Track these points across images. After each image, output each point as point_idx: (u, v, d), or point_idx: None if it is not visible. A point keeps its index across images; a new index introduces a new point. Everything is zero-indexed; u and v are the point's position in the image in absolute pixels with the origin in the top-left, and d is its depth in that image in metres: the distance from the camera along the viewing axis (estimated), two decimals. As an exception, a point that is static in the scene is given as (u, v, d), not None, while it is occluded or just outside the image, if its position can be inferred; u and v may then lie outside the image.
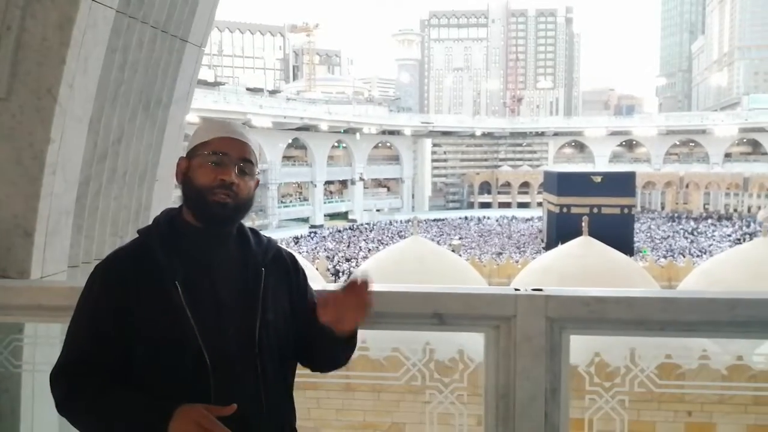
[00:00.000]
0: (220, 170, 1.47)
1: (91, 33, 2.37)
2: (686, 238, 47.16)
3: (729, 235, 47.87)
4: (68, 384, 1.40)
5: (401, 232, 49.83)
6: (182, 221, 1.52)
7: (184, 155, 1.55)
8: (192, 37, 3.19)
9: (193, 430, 1.27)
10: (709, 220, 56.94)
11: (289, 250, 1.70)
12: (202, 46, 3.36)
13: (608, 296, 1.65)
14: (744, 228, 50.80)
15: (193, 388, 1.40)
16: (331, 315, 1.44)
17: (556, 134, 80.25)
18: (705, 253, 38.51)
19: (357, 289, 1.43)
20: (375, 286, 1.73)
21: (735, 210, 62.08)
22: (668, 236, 48.42)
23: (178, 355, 1.41)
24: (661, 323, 1.63)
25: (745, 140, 71.52)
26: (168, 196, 3.34)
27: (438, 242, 34.52)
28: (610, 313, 1.64)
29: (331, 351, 1.58)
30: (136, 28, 2.70)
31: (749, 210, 60.46)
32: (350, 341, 1.54)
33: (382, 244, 41.57)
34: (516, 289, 1.71)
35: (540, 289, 1.70)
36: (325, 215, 63.62)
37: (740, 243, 41.46)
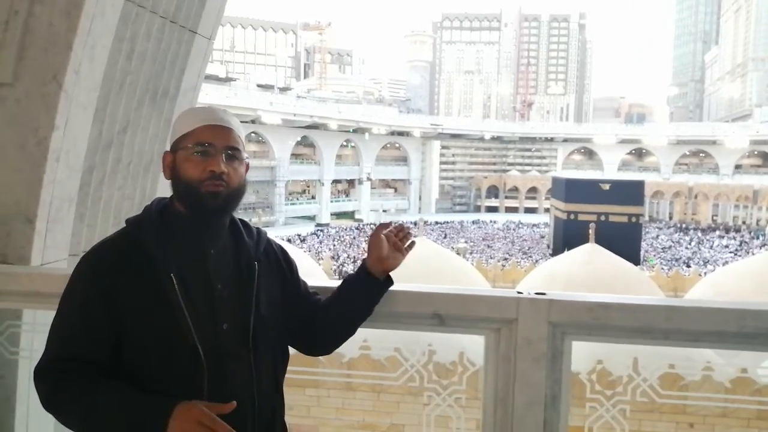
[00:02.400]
0: (207, 161, 1.42)
1: (99, 21, 2.36)
2: (688, 248, 47.00)
3: (726, 246, 47.77)
4: (56, 379, 1.35)
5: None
6: (174, 211, 1.48)
7: (168, 149, 1.50)
8: (201, 29, 3.17)
9: (195, 429, 1.23)
10: (717, 232, 56.56)
11: (279, 242, 1.69)
12: (212, 39, 3.34)
13: (612, 302, 1.61)
14: (746, 240, 50.55)
15: (186, 384, 1.37)
16: (380, 251, 1.59)
17: (565, 140, 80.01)
18: (708, 263, 38.41)
19: (396, 231, 1.63)
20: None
21: (744, 222, 61.66)
22: (670, 246, 48.28)
23: (172, 350, 1.38)
24: (665, 332, 1.59)
25: (756, 152, 71.08)
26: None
27: (443, 245, 34.41)
28: (614, 319, 1.60)
29: (351, 314, 1.62)
30: (144, 18, 2.68)
31: (758, 223, 60.03)
32: (387, 282, 1.63)
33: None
34: (519, 292, 1.67)
35: (543, 293, 1.67)
36: (331, 214, 63.67)
37: (738, 254, 41.69)
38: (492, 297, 1.66)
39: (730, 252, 44.30)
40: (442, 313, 1.66)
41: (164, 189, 3.28)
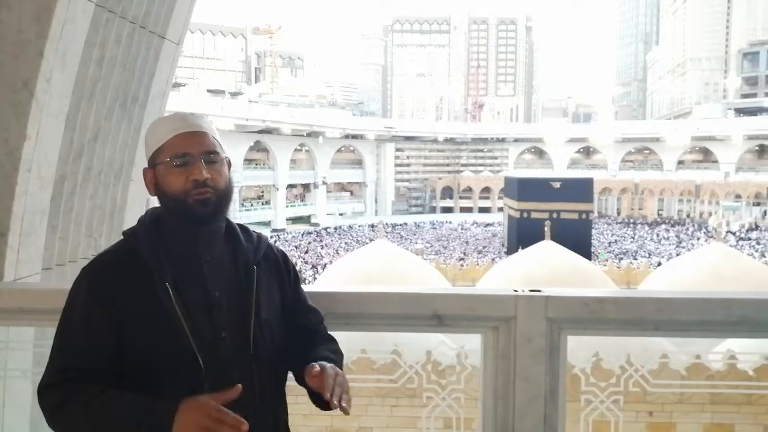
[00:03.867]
0: (188, 171, 1.41)
1: (70, 26, 2.29)
2: (632, 242, 48.70)
3: (667, 238, 49.66)
4: (63, 392, 1.33)
5: (360, 238, 49.89)
6: (167, 220, 1.47)
7: (147, 165, 1.48)
8: (170, 34, 3.11)
9: (202, 421, 1.22)
10: (663, 226, 58.62)
11: (279, 246, 1.67)
12: (180, 44, 3.29)
13: (606, 297, 1.66)
14: (688, 233, 52.69)
15: (187, 392, 1.33)
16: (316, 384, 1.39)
17: (516, 140, 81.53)
18: (652, 255, 39.90)
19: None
20: (373, 288, 1.71)
21: (688, 215, 64.09)
22: (616, 240, 49.90)
23: (171, 359, 1.37)
24: (656, 323, 1.65)
25: (697, 148, 73.94)
26: (143, 196, 3.25)
27: (401, 246, 34.54)
28: (608, 313, 1.65)
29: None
30: (114, 23, 2.61)
31: (701, 216, 62.49)
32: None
33: (349, 247, 41.49)
34: (515, 290, 1.71)
35: (539, 290, 1.71)
36: (287, 219, 63.07)
37: (680, 245, 43.63)
38: (490, 296, 1.68)
39: (671, 244, 46.08)
40: (441, 313, 1.68)
41: (135, 198, 3.20)
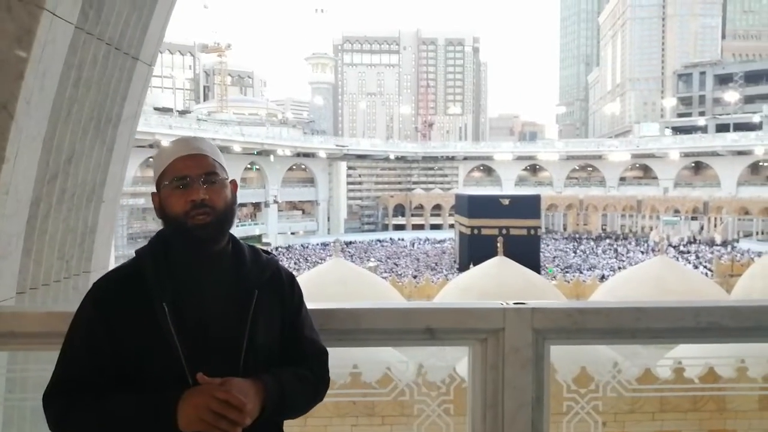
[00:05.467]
0: (187, 192, 1.45)
1: (51, 48, 2.28)
2: (575, 256, 50.28)
3: (605, 252, 51.63)
4: (66, 399, 1.39)
5: (311, 255, 49.62)
6: (172, 241, 1.51)
7: (155, 190, 1.53)
8: (143, 56, 3.12)
9: (211, 404, 1.28)
10: (607, 240, 60.57)
11: (288, 269, 1.69)
12: (152, 65, 3.29)
13: (588, 308, 1.77)
14: (627, 247, 54.71)
15: None
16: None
17: (465, 158, 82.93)
18: (595, 268, 41.36)
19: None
20: (367, 304, 1.77)
21: (630, 230, 66.40)
22: (557, 255, 51.38)
23: (162, 378, 1.40)
24: (633, 331, 1.77)
25: (637, 165, 76.91)
26: (113, 217, 3.21)
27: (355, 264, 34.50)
28: (589, 323, 1.76)
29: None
30: (91, 44, 2.62)
31: (642, 230, 64.88)
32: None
33: (301, 266, 41.13)
34: (501, 303, 1.80)
35: (523, 303, 1.80)
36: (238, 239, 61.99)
37: (619, 259, 45.41)
38: (480, 309, 1.77)
39: (611, 258, 47.79)
40: (434, 327, 1.75)
41: (105, 219, 3.17)
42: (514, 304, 1.80)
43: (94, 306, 1.45)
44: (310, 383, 1.53)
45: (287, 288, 1.60)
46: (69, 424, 1.37)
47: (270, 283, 1.55)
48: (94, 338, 1.42)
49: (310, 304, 1.69)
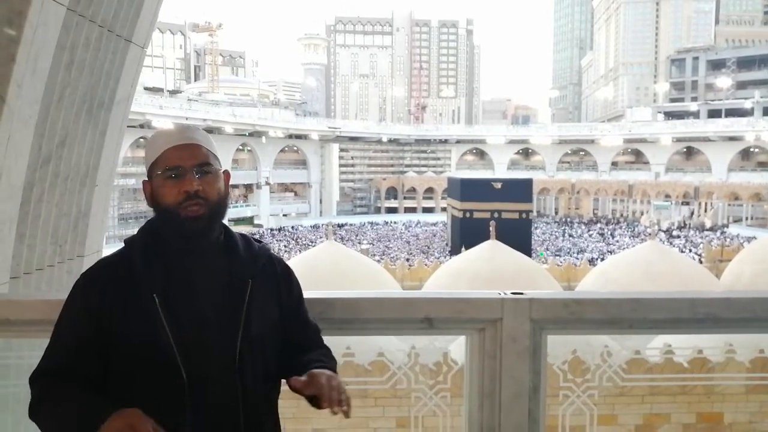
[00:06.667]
0: (180, 183, 1.43)
1: (42, 30, 2.24)
2: (564, 239, 50.66)
3: (591, 235, 52.37)
4: (41, 389, 1.37)
5: (301, 237, 49.62)
6: (163, 231, 1.49)
7: (146, 178, 1.50)
8: (136, 38, 3.07)
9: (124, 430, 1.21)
10: (598, 225, 60.92)
11: (281, 258, 1.67)
12: (145, 47, 3.24)
13: (585, 298, 1.77)
14: (617, 231, 55.15)
15: (168, 405, 1.37)
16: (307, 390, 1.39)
17: (458, 141, 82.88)
18: (584, 252, 41.88)
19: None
20: (367, 293, 1.77)
21: (621, 215, 66.78)
22: (547, 238, 51.71)
23: (154, 370, 1.38)
24: (630, 321, 1.78)
25: (629, 150, 77.17)
26: (107, 201, 3.19)
27: (347, 247, 34.54)
28: (587, 313, 1.77)
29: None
30: (84, 27, 2.57)
31: (633, 214, 65.26)
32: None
33: (292, 249, 41.16)
34: (499, 293, 1.80)
35: (521, 293, 1.81)
36: (229, 220, 61.76)
37: (607, 242, 45.88)
38: (478, 299, 1.77)
39: (599, 242, 48.21)
40: (432, 316, 1.75)
41: (99, 203, 3.14)
42: (512, 294, 1.81)
43: (83, 294, 1.43)
44: (334, 360, 1.59)
45: (282, 277, 1.58)
46: (40, 412, 1.36)
47: (263, 272, 1.54)
48: (79, 328, 1.40)
49: (308, 293, 1.69)
